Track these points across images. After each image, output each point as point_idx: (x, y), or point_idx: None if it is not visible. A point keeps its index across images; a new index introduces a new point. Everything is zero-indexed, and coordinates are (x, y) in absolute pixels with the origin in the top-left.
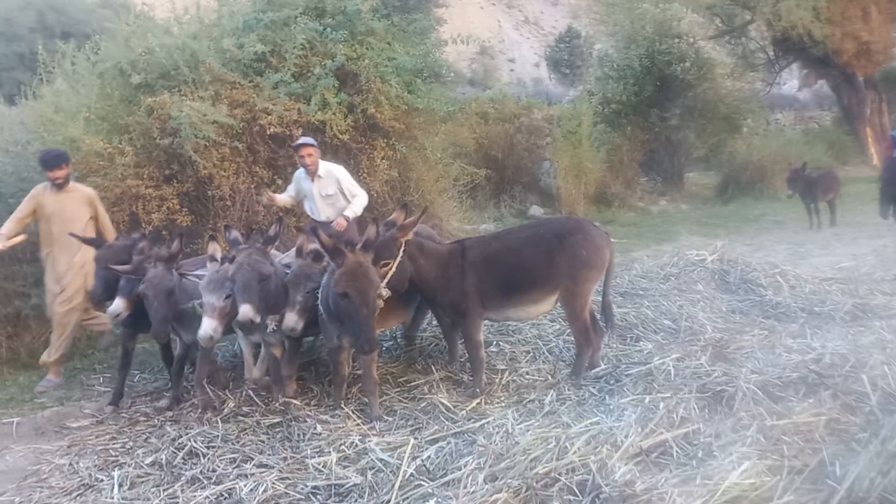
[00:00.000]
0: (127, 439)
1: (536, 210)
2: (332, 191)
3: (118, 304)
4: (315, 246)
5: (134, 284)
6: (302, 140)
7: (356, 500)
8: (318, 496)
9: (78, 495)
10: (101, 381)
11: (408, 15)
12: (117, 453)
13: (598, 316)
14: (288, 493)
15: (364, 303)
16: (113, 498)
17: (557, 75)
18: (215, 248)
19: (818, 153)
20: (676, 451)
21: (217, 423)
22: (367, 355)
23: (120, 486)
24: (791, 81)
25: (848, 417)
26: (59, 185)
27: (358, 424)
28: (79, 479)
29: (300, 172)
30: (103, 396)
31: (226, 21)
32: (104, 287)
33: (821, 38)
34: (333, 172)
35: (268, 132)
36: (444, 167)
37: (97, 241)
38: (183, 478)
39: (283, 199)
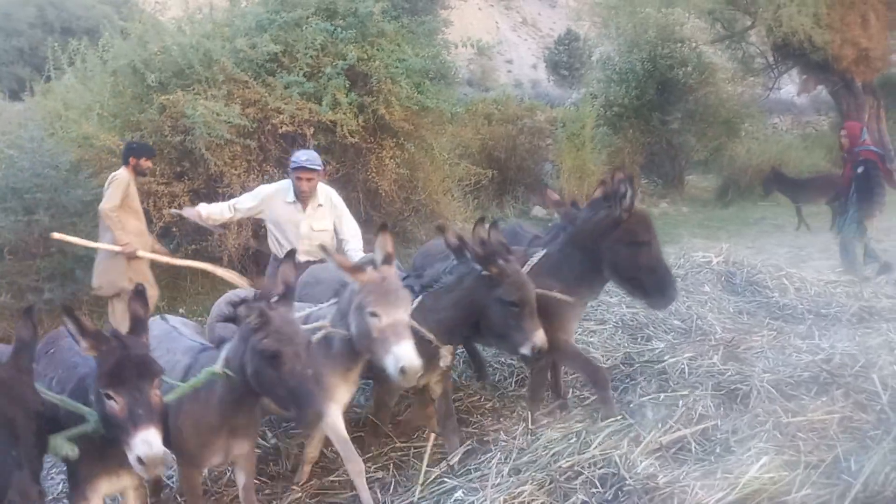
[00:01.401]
0: None
1: (539, 211)
2: (328, 224)
3: (156, 439)
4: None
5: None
6: (307, 162)
7: (381, 494)
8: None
9: None
10: None
11: (416, 17)
12: None
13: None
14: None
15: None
16: None
17: (556, 77)
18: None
19: (816, 158)
20: (695, 447)
21: None
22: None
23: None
24: (788, 86)
25: (860, 415)
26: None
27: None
28: None
29: (277, 189)
30: None
31: (238, 21)
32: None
33: (821, 45)
34: (333, 199)
35: (279, 131)
36: (450, 167)
37: None
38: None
39: (215, 212)
